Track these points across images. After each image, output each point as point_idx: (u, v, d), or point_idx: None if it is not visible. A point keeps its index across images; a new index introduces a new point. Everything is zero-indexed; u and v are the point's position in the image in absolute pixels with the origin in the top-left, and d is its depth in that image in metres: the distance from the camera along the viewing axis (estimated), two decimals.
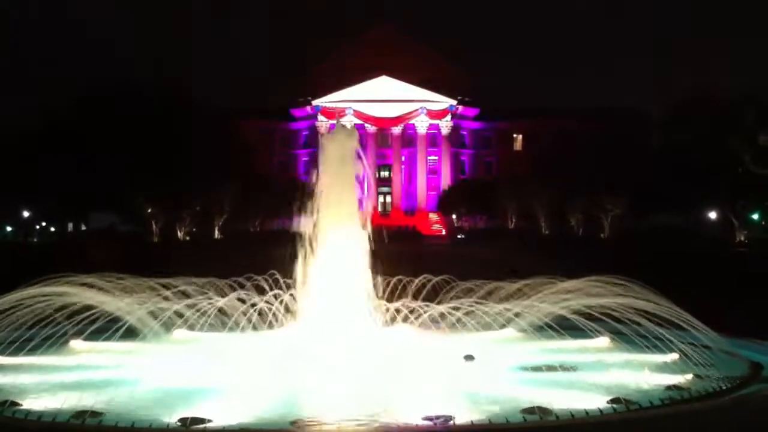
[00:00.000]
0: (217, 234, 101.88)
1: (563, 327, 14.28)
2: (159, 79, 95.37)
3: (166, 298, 15.24)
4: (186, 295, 15.37)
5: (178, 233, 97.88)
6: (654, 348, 13.11)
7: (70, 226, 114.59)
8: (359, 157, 16.17)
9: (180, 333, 15.68)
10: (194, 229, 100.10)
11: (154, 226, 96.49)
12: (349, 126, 16.62)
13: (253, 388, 11.16)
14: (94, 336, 14.46)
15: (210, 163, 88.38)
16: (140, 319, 14.84)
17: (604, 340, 14.52)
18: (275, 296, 14.67)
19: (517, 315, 14.78)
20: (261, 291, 15.46)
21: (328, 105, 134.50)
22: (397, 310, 14.52)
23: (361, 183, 15.84)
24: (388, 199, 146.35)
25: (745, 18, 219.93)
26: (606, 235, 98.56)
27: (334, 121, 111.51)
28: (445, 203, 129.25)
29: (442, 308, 14.64)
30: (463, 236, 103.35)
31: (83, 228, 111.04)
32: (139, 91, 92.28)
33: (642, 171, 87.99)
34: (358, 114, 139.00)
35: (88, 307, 14.06)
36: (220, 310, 15.00)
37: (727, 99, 78.53)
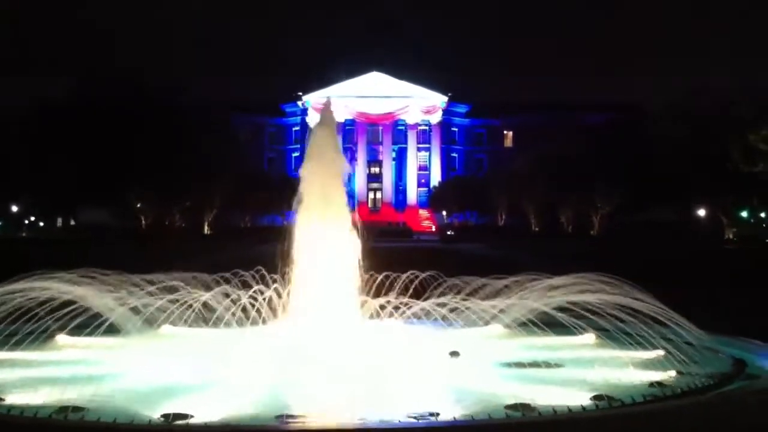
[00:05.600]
0: (206, 229, 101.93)
1: (549, 324, 14.31)
2: (145, 74, 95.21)
3: (150, 294, 15.20)
4: (171, 290, 15.33)
5: (168, 228, 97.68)
6: (639, 345, 13.16)
7: (59, 221, 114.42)
8: (344, 148, 16.19)
9: (166, 328, 15.62)
10: (183, 225, 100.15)
11: (143, 222, 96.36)
12: (336, 119, 16.52)
13: (238, 384, 11.14)
14: (80, 331, 14.41)
15: (199, 159, 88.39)
16: (124, 315, 14.80)
17: (589, 337, 14.56)
18: (261, 291, 14.65)
19: (501, 311, 14.81)
20: (248, 286, 15.42)
21: (318, 100, 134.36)
22: (382, 307, 14.51)
23: (348, 176, 15.85)
24: (378, 195, 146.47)
25: (738, 16, 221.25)
26: (596, 232, 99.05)
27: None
28: (435, 199, 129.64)
29: (427, 305, 14.65)
30: (453, 233, 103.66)
31: (72, 223, 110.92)
32: (128, 87, 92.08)
33: (632, 169, 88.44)
34: (349, 109, 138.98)
35: (72, 303, 14.00)
36: (207, 306, 14.97)
37: (717, 97, 79.00)
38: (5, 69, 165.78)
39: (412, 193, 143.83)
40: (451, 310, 14.51)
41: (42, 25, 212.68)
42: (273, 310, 14.71)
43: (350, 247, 14.94)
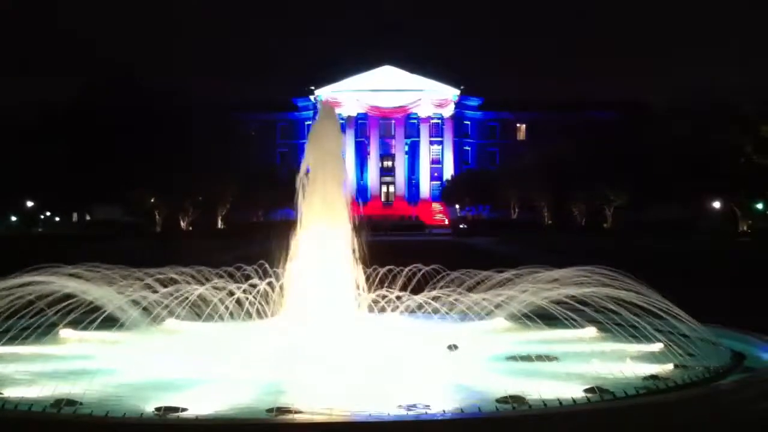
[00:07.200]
0: (220, 224, 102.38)
1: (551, 317, 14.29)
2: (149, 75, 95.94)
3: (147, 286, 15.30)
4: (173, 283, 15.43)
5: (181, 224, 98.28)
6: (640, 338, 13.14)
7: (75, 216, 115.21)
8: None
9: (170, 323, 15.72)
10: (197, 220, 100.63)
11: (157, 217, 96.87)
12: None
13: (235, 378, 11.19)
14: (84, 326, 14.50)
15: (210, 156, 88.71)
16: (127, 310, 14.89)
17: (591, 330, 14.55)
18: (260, 284, 14.71)
19: (497, 306, 14.78)
20: (250, 281, 15.48)
21: (331, 94, 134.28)
22: (375, 301, 14.52)
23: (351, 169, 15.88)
24: (391, 189, 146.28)
25: (747, 13, 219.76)
26: (608, 226, 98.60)
27: (338, 111, 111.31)
28: (448, 193, 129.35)
29: (421, 299, 14.64)
30: (465, 226, 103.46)
31: (87, 218, 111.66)
32: (141, 85, 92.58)
33: (644, 162, 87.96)
34: (361, 103, 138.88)
35: (76, 297, 14.10)
36: (209, 302, 15.03)
37: (728, 90, 78.50)
38: (11, 70, 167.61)
39: (425, 187, 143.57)
40: (450, 304, 14.50)
41: (42, 25, 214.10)
42: (273, 304, 14.77)
43: (349, 241, 14.95)
